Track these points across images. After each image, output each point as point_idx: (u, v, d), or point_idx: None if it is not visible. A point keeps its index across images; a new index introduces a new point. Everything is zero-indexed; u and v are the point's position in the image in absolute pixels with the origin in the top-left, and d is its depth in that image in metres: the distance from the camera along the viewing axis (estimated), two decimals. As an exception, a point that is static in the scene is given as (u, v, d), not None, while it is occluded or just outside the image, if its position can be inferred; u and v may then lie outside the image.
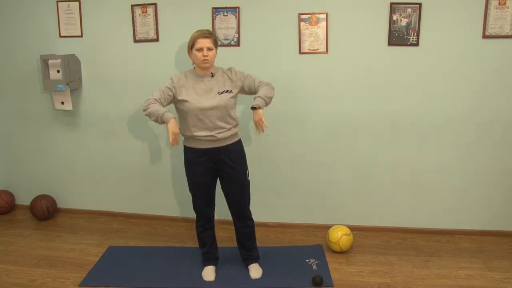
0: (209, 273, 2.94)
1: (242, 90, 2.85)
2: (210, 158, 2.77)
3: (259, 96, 2.75)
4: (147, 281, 2.90)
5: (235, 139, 2.83)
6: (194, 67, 2.81)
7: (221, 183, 2.91)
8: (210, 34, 2.68)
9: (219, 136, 2.72)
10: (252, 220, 2.99)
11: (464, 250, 3.26)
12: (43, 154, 3.93)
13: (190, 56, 2.77)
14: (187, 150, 2.83)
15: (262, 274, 2.95)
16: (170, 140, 2.65)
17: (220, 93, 2.72)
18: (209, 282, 2.88)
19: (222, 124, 2.72)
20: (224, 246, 3.31)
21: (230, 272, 3.00)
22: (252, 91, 2.84)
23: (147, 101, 2.72)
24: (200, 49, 2.66)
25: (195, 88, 2.73)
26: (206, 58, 2.67)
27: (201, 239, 3.00)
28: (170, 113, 2.68)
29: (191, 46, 2.71)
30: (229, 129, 2.76)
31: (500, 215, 3.44)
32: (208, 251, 3.00)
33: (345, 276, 2.94)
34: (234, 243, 3.22)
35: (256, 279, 2.91)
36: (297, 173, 3.56)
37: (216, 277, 2.93)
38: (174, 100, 2.77)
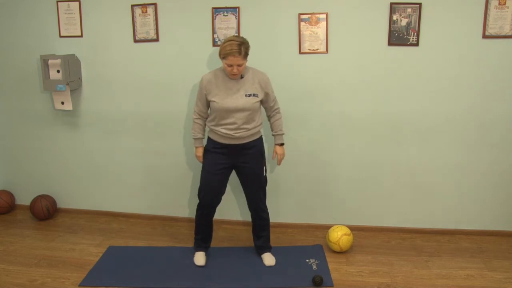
0: (199, 259, 3.07)
1: (263, 100, 2.93)
2: (228, 152, 2.90)
3: (282, 134, 3.04)
4: (147, 281, 2.90)
5: (255, 137, 2.95)
6: None
7: (238, 178, 3.05)
8: (240, 50, 2.67)
9: (237, 135, 2.84)
10: (267, 213, 3.13)
11: (464, 250, 3.26)
12: (43, 154, 3.92)
13: (220, 59, 2.79)
14: (209, 141, 2.97)
15: (272, 265, 3.04)
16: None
17: (247, 96, 2.80)
18: (209, 280, 2.89)
19: (245, 125, 2.83)
20: (224, 246, 3.31)
21: (231, 272, 3.00)
22: (267, 107, 2.99)
23: (193, 119, 3.00)
24: (230, 65, 2.71)
25: (224, 87, 2.81)
26: (235, 73, 2.75)
27: (198, 225, 3.13)
28: (200, 140, 2.98)
29: (222, 57, 2.73)
30: (251, 129, 2.86)
31: (500, 215, 3.44)
32: (201, 238, 3.13)
33: (345, 276, 2.94)
34: (234, 243, 3.24)
35: (270, 266, 3.04)
36: (297, 173, 3.56)
37: (206, 262, 3.06)
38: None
